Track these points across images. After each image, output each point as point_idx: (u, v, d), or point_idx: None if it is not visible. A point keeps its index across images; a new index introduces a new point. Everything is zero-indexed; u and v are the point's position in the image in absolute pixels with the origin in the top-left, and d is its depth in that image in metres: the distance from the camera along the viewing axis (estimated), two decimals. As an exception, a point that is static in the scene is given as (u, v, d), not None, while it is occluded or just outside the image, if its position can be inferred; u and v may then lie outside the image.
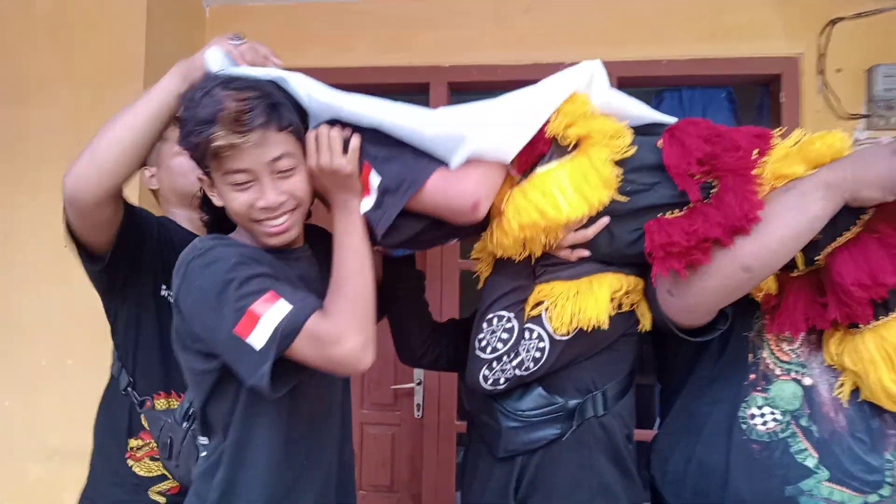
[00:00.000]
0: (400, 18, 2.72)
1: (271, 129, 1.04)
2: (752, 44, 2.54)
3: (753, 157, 1.07)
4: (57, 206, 2.39)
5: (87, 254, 1.31)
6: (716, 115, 2.77)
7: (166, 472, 1.40)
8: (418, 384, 2.62)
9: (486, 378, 1.21)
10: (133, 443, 1.43)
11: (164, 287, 1.44)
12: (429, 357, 1.46)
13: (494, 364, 1.20)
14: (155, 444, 1.38)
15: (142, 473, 1.43)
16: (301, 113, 1.12)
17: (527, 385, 1.23)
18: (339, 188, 1.11)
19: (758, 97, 2.77)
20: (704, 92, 2.78)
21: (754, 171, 1.06)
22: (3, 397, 2.40)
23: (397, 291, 1.40)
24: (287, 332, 0.96)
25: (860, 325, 1.08)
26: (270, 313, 0.96)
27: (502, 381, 1.21)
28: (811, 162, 1.07)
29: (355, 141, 1.10)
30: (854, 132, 2.46)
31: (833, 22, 2.48)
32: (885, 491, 1.09)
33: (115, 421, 1.44)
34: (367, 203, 1.11)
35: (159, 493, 1.43)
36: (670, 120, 1.20)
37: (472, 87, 2.74)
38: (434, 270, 2.61)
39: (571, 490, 1.22)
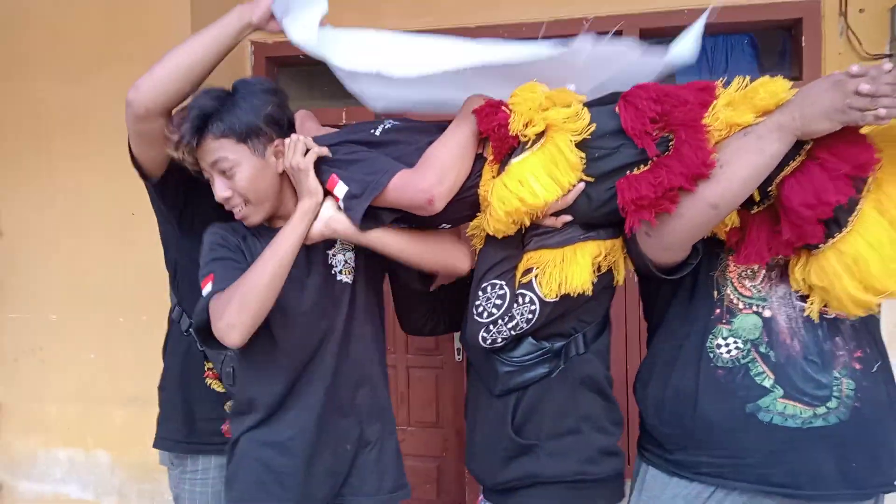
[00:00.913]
0: (426, -18, 2.80)
1: (207, 138, 1.30)
2: (773, -12, 2.56)
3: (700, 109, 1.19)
4: (119, 179, 2.63)
5: (142, 170, 1.48)
6: (739, 61, 2.80)
7: None
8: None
9: (484, 339, 1.36)
10: (208, 364, 1.59)
11: None
12: (429, 326, 1.64)
13: (491, 327, 1.35)
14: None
15: (219, 389, 1.59)
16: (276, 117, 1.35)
17: (519, 337, 1.38)
18: (299, 189, 1.34)
19: (780, 42, 2.79)
20: (727, 39, 2.80)
21: (703, 121, 1.18)
22: (88, 351, 2.69)
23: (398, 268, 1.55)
24: (204, 305, 1.27)
25: (820, 245, 1.18)
26: (205, 289, 1.29)
27: (499, 340, 1.36)
28: (759, 110, 1.17)
29: (315, 147, 1.33)
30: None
31: (855, -39, 2.50)
32: (832, 403, 1.22)
33: (190, 351, 1.59)
34: (332, 208, 1.33)
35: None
36: (658, 53, 1.34)
37: (498, 46, 2.85)
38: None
39: (560, 418, 1.39)
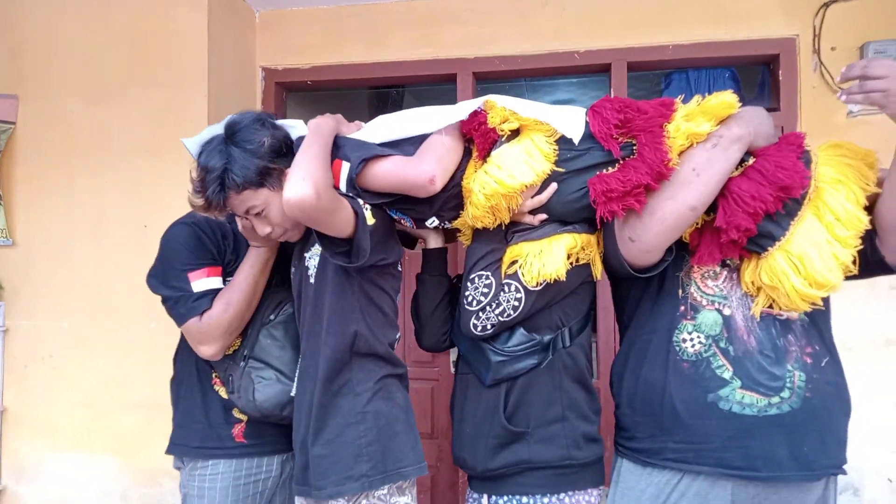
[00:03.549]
0: (428, 16, 3.00)
1: (230, 196, 1.44)
2: (752, 27, 2.76)
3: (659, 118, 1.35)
4: (137, 194, 2.77)
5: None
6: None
7: None
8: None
9: (475, 326, 1.47)
10: (214, 373, 1.66)
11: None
12: (448, 342, 1.69)
13: (480, 314, 1.46)
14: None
15: (224, 396, 1.65)
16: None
17: (511, 328, 1.50)
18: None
19: (759, 76, 2.98)
20: (709, 73, 2.99)
21: (662, 126, 1.34)
22: (98, 358, 2.78)
23: (423, 280, 1.67)
24: None
25: (769, 248, 1.34)
26: None
27: (489, 327, 1.47)
28: (714, 117, 1.35)
29: None
30: (848, 105, 2.67)
31: (826, 4, 2.69)
32: (786, 394, 1.34)
33: (199, 359, 1.63)
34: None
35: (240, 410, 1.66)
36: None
37: (495, 76, 3.03)
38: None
39: (548, 406, 1.50)
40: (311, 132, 1.46)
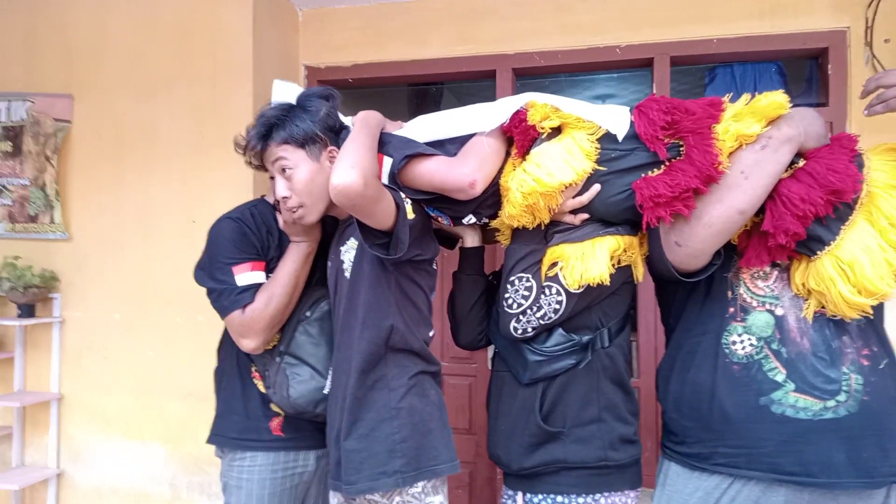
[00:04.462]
0: (467, 12, 3.00)
1: (270, 145, 1.52)
2: (799, 19, 2.68)
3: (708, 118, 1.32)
4: (183, 188, 2.83)
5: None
6: (766, 88, 2.85)
7: None
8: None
9: (515, 329, 1.46)
10: (253, 366, 1.69)
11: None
12: (485, 340, 1.69)
13: (521, 317, 1.44)
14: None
15: (263, 390, 1.67)
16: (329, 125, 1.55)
17: (550, 329, 1.49)
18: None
19: (807, 70, 2.89)
20: (755, 67, 2.92)
21: (711, 127, 1.31)
22: (147, 348, 2.88)
23: (460, 279, 1.67)
24: None
25: (818, 252, 1.31)
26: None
27: (529, 329, 1.46)
28: (764, 117, 1.32)
29: None
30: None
31: (879, -6, 2.60)
32: (842, 397, 1.30)
33: (242, 351, 1.65)
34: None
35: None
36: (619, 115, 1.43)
37: (534, 71, 3.01)
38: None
39: (584, 407, 1.49)
40: (358, 123, 1.48)
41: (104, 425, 2.93)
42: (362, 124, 1.47)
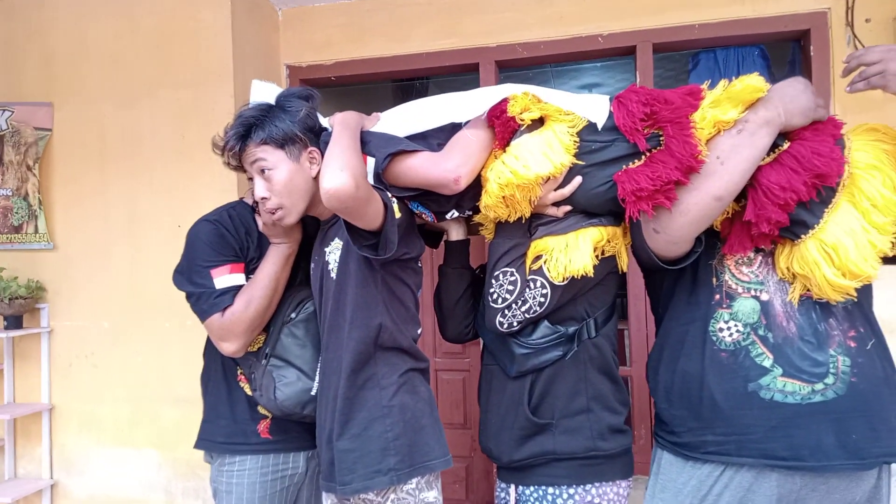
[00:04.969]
0: (449, 6, 2.99)
1: (249, 145, 1.50)
2: (780, 2, 2.67)
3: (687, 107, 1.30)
4: (168, 193, 2.81)
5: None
6: (750, 72, 2.88)
7: None
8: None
9: (501, 323, 1.46)
10: (239, 370, 1.68)
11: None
12: (472, 333, 1.69)
13: (506, 311, 1.44)
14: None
15: (249, 393, 1.66)
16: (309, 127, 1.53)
17: (536, 322, 1.48)
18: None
19: (790, 52, 2.89)
20: (738, 51, 2.91)
21: (689, 116, 1.29)
22: (136, 354, 2.87)
23: (445, 272, 1.67)
24: None
25: (802, 236, 1.30)
26: None
27: (515, 323, 1.46)
28: (741, 102, 1.30)
29: None
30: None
31: (860, -26, 2.60)
32: (830, 380, 1.30)
33: (224, 356, 1.64)
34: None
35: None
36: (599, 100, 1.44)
37: (518, 63, 3.00)
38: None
39: (572, 398, 1.49)
40: (338, 125, 1.47)
41: (97, 434, 2.91)
42: (342, 126, 1.46)
